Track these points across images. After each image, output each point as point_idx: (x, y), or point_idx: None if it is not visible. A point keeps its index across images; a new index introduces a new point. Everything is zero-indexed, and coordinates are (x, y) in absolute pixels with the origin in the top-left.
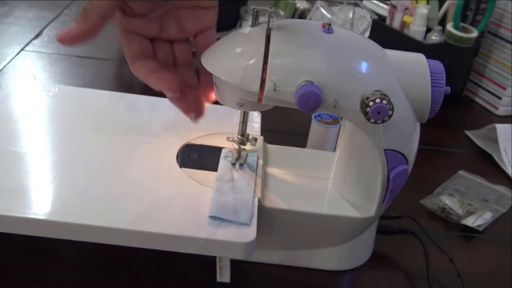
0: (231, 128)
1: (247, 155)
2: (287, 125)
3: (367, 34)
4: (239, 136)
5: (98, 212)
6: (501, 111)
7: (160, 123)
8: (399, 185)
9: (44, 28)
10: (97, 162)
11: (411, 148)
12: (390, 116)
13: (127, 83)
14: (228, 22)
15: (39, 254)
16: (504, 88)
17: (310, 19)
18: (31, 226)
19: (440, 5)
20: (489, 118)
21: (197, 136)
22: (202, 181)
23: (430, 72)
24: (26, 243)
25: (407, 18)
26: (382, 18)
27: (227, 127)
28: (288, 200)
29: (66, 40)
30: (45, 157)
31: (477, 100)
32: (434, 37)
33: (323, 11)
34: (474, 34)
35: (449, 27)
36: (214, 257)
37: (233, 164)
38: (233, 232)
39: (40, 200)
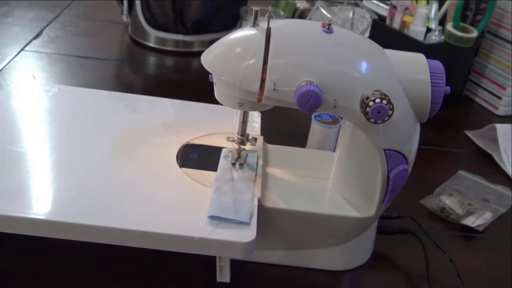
0: (231, 128)
1: (247, 155)
2: (287, 125)
3: (367, 34)
4: (239, 136)
5: (98, 212)
6: (501, 111)
7: (160, 123)
8: (399, 185)
9: (44, 28)
10: (97, 162)
11: (411, 148)
12: (390, 116)
13: (127, 83)
14: (228, 22)
15: (39, 254)
16: (504, 88)
17: (310, 19)
18: (31, 226)
19: (440, 5)
20: (489, 118)
21: (197, 136)
22: (202, 181)
23: (430, 72)
24: (26, 243)
25: (407, 18)
26: (382, 18)
27: (227, 127)
28: (288, 200)
29: None
30: (45, 157)
31: (477, 100)
32: (434, 37)
33: (323, 11)
34: (474, 34)
35: (449, 27)
36: (214, 257)
37: (233, 164)
38: (233, 232)
39: (40, 200)
